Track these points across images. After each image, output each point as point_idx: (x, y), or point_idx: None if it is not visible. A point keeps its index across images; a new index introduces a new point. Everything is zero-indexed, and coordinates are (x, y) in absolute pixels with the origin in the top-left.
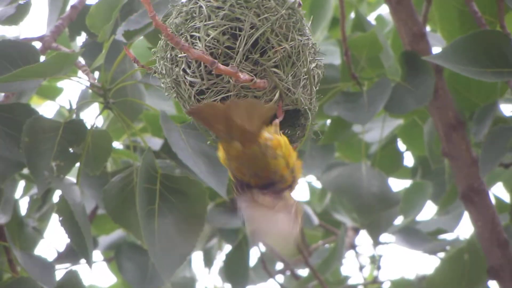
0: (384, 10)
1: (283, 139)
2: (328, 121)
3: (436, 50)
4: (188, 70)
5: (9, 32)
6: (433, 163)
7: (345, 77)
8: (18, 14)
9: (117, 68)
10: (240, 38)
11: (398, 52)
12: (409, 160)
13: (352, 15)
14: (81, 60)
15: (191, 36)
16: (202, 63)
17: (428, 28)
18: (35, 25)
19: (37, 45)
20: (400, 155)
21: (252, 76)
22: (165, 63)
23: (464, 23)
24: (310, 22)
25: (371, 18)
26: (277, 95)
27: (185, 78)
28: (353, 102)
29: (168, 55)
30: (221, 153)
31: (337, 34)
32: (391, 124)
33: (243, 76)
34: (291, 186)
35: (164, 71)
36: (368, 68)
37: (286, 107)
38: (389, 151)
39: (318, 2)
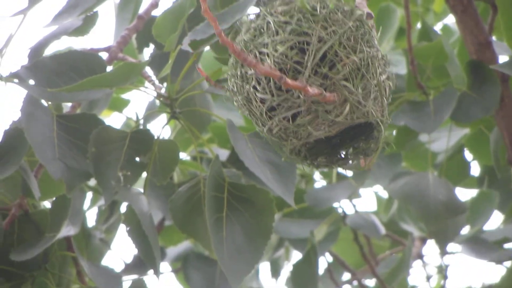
0: (450, 19)
1: None
2: (394, 131)
3: (502, 58)
4: (258, 87)
5: (77, 43)
6: (499, 172)
7: (411, 86)
8: (84, 26)
9: (184, 78)
10: (308, 52)
11: (464, 61)
12: (475, 169)
13: (419, 25)
14: (148, 70)
15: (260, 53)
16: (271, 79)
17: (494, 37)
18: (104, 36)
19: (104, 55)
20: (466, 165)
21: (321, 90)
22: (236, 80)
23: None
24: (379, 34)
25: (437, 27)
26: (347, 108)
27: (256, 95)
28: (419, 111)
29: (238, 73)
30: None
31: (404, 44)
32: (457, 134)
33: (312, 90)
34: None
35: (235, 89)
36: (434, 77)
37: (358, 120)
38: (456, 161)
39: (385, 13)
